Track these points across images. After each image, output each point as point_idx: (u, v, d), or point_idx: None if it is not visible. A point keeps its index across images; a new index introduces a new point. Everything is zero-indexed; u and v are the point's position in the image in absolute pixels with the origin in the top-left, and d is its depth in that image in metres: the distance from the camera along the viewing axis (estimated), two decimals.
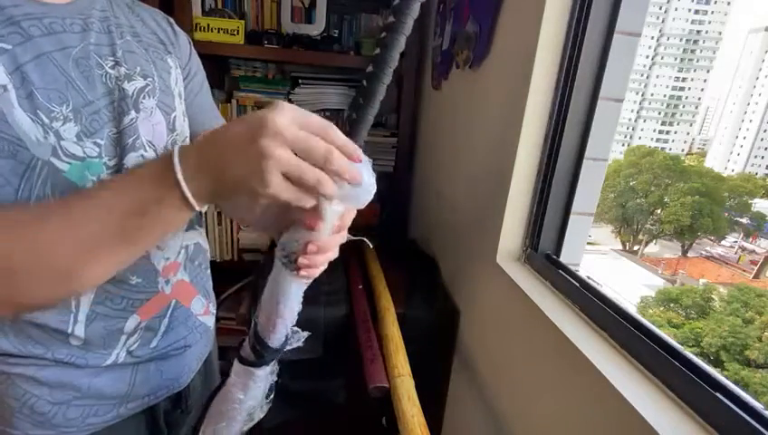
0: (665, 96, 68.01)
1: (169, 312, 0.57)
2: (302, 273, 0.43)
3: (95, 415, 0.53)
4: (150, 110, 0.53)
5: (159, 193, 0.37)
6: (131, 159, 0.50)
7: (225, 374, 0.51)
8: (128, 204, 0.38)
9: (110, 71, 0.49)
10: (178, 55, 0.61)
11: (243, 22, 1.33)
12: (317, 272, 0.45)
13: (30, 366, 0.48)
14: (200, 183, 0.37)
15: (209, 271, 0.66)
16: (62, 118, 0.44)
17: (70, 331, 0.48)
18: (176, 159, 0.36)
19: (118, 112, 0.49)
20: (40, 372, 0.49)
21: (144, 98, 0.52)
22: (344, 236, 0.46)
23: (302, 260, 0.42)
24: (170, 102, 0.56)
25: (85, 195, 0.41)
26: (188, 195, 0.36)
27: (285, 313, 0.46)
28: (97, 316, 0.50)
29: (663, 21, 65.89)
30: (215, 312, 0.69)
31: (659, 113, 68.45)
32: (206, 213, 1.47)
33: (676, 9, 64.63)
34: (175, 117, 0.57)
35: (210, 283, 0.67)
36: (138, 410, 0.57)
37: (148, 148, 0.53)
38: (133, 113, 0.51)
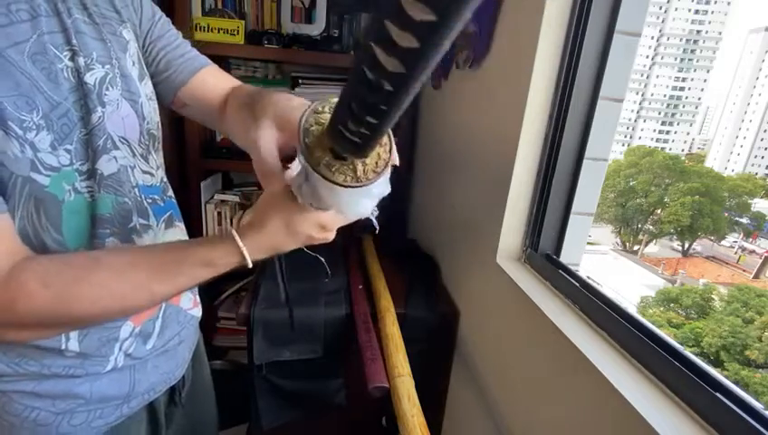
0: (665, 96, 67.97)
1: (161, 313, 0.57)
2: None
3: (100, 418, 0.52)
4: (116, 102, 0.49)
5: (232, 261, 0.44)
6: (103, 163, 0.47)
7: (213, 359, 0.52)
8: (208, 269, 0.45)
9: (69, 63, 0.44)
10: (135, 21, 0.53)
11: (243, 22, 1.32)
12: None
13: (27, 382, 0.47)
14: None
15: None
16: (34, 127, 0.41)
17: (63, 347, 0.47)
18: (246, 255, 0.44)
19: (85, 111, 0.45)
20: (39, 386, 0.47)
21: (107, 89, 0.48)
22: None
23: None
24: (134, 88, 0.52)
25: (178, 260, 0.44)
26: (249, 263, 0.45)
27: None
28: (90, 331, 0.49)
29: (663, 21, 65.85)
30: (199, 301, 0.68)
31: (659, 113, 68.40)
32: (206, 215, 1.47)
33: (676, 9, 64.56)
34: (142, 103, 0.53)
35: None
36: (138, 407, 0.57)
37: (120, 145, 0.49)
38: (100, 110, 0.46)
